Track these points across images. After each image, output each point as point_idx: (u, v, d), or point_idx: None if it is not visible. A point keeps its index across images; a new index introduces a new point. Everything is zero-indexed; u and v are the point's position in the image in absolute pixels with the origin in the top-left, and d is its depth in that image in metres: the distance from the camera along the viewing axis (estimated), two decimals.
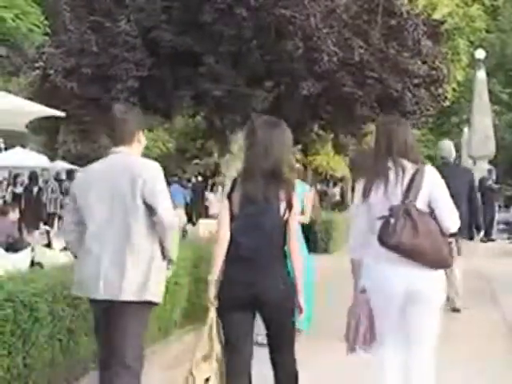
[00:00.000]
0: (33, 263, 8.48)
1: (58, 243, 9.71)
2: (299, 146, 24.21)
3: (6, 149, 30.13)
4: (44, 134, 22.50)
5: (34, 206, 17.30)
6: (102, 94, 16.81)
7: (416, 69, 18.38)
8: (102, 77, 16.57)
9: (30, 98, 13.10)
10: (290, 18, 15.79)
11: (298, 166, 8.24)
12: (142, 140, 4.12)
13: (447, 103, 23.03)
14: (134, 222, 3.84)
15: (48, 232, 12.67)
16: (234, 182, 3.84)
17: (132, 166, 3.92)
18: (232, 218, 3.79)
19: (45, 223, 17.20)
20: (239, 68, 16.70)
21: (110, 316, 3.86)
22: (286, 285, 3.77)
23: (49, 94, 16.95)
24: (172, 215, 3.89)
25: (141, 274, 3.83)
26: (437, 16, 23.92)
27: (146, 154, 17.45)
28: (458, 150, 14.11)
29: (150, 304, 3.96)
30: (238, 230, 3.78)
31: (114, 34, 16.53)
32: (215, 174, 26.20)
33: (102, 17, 16.85)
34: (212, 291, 3.78)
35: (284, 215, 3.78)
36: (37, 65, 18.14)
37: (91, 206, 3.90)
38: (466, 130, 26.71)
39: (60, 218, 17.75)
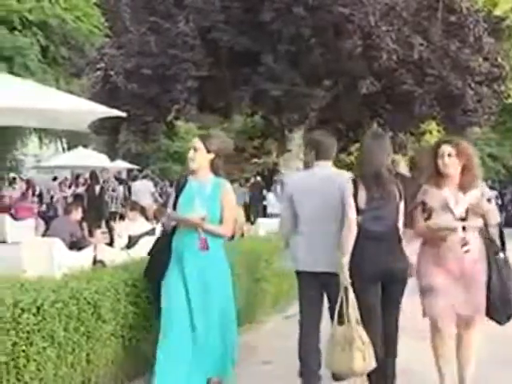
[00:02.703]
0: (95, 261, 8.64)
1: (119, 241, 9.86)
2: (357, 145, 24.03)
3: (68, 149, 30.74)
4: (105, 134, 22.81)
5: (95, 205, 17.56)
6: (162, 94, 17.00)
7: (477, 66, 18.07)
8: (161, 77, 16.75)
9: (91, 99, 13.30)
10: (349, 16, 15.69)
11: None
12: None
13: (510, 101, 22.55)
14: (334, 214, 5.00)
15: (110, 231, 12.88)
16: (355, 183, 4.79)
17: (334, 175, 5.23)
18: (358, 212, 4.73)
19: (106, 222, 17.48)
20: (298, 67, 16.67)
21: (319, 283, 5.16)
22: (405, 260, 4.86)
23: (110, 94, 17.21)
24: (353, 213, 4.81)
25: (334, 252, 4.93)
26: (497, 12, 23.43)
27: None
28: None
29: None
30: (367, 220, 4.76)
31: (173, 35, 16.69)
32: (273, 173, 26.19)
33: (162, 18, 17.04)
34: (346, 272, 4.67)
35: (398, 207, 4.83)
36: (98, 66, 18.42)
37: (304, 202, 5.19)
38: None
39: (121, 216, 18.01)
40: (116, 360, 5.15)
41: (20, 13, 18.12)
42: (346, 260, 4.72)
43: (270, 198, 21.09)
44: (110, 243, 10.39)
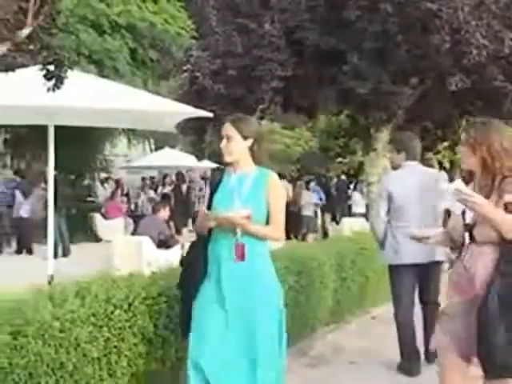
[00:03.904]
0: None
1: None
2: (446, 144, 23.59)
3: (156, 149, 31.35)
4: (192, 135, 23.16)
5: (182, 205, 17.85)
6: (247, 94, 17.10)
7: None
8: (247, 78, 16.86)
9: (178, 100, 13.51)
10: (437, 12, 15.38)
11: None
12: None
13: None
14: (432, 209, 5.66)
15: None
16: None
17: (428, 173, 5.99)
18: None
19: (193, 221, 17.74)
20: (384, 65, 16.46)
21: (416, 274, 5.80)
22: None
23: (196, 95, 17.45)
24: None
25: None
26: None
27: (288, 152, 17.64)
28: None
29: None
30: None
31: (258, 36, 16.77)
32: (359, 173, 25.98)
33: (247, 19, 17.14)
34: None
35: None
36: (185, 68, 18.70)
37: (404, 198, 5.69)
38: None
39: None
40: None
41: (109, 17, 18.55)
42: None
43: (356, 197, 20.93)
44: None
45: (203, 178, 22.09)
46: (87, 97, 8.52)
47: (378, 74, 16.32)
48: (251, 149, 4.19)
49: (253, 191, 4.12)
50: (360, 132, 20.46)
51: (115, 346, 4.23)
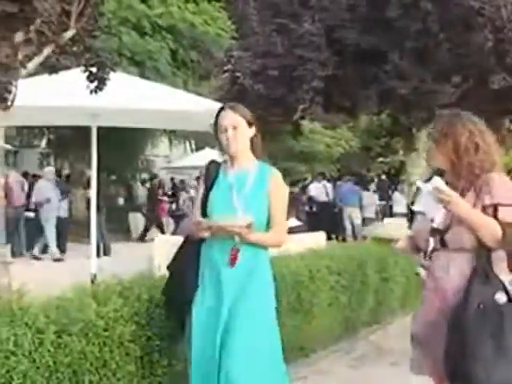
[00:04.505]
0: None
1: None
2: None
3: (196, 150, 31.49)
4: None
5: None
6: (288, 94, 17.08)
7: None
8: (287, 77, 16.84)
9: (219, 101, 13.57)
10: (479, 10, 15.20)
11: None
12: None
13: None
14: None
15: None
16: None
17: None
18: None
19: None
20: (425, 64, 16.31)
21: None
22: None
23: (237, 95, 17.47)
24: None
25: None
26: None
27: (329, 151, 17.60)
28: None
29: None
30: None
31: (298, 35, 16.74)
32: (400, 173, 25.78)
33: (287, 18, 17.13)
34: None
35: None
36: (225, 68, 18.77)
37: None
38: None
39: None
40: None
41: (150, 18, 18.73)
42: None
43: (397, 197, 20.79)
44: None
45: None
46: (129, 98, 8.60)
47: (419, 73, 16.19)
48: (252, 140, 3.79)
49: (255, 191, 3.67)
50: (402, 131, 20.31)
51: (157, 345, 4.26)
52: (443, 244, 3.22)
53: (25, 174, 17.90)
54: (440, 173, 3.28)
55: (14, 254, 12.34)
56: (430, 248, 3.25)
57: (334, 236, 13.70)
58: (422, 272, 3.33)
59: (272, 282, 3.79)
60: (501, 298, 3.04)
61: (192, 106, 9.78)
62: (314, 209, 19.65)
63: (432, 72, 16.35)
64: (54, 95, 7.97)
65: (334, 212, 18.91)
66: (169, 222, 19.38)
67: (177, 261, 3.89)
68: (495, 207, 3.10)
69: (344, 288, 6.49)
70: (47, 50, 5.03)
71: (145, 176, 25.05)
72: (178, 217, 18.84)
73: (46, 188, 14.56)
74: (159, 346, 4.29)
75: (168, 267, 3.97)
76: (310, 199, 20.01)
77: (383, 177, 26.38)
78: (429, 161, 3.42)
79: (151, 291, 4.33)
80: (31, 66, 4.98)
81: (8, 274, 4.83)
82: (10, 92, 4.81)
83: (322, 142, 28.52)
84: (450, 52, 16.06)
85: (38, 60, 5.02)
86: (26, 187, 15.84)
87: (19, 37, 4.81)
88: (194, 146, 33.73)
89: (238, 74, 17.49)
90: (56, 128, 19.28)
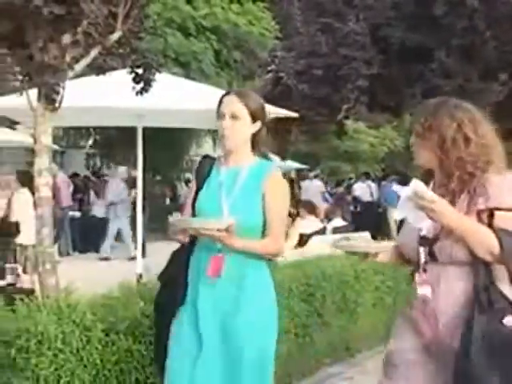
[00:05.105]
0: None
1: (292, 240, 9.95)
2: None
3: None
4: (276, 135, 23.24)
5: None
6: (332, 93, 17.04)
7: None
8: (332, 77, 16.81)
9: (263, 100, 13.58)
10: None
11: None
12: None
13: None
14: None
15: None
16: None
17: None
18: None
19: None
20: (471, 61, 16.11)
21: None
22: None
23: (281, 95, 17.50)
24: None
25: None
26: None
27: (373, 151, 17.47)
28: None
29: None
30: None
31: (343, 34, 16.70)
32: None
33: (332, 18, 17.08)
34: None
35: None
36: (269, 68, 18.80)
37: None
38: None
39: (290, 214, 18.21)
40: (289, 357, 5.20)
41: (195, 19, 18.81)
42: None
43: None
44: None
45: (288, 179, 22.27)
46: (174, 98, 8.65)
47: (465, 71, 16.00)
48: (255, 136, 3.23)
49: (246, 191, 3.12)
50: None
51: None
52: (432, 256, 2.64)
53: (75, 175, 18.21)
54: (430, 173, 2.75)
55: (60, 254, 12.55)
56: (422, 258, 2.66)
57: (378, 236, 13.58)
58: (422, 290, 2.66)
59: (273, 305, 3.15)
60: (510, 321, 2.45)
61: None
62: (359, 209, 19.55)
63: (478, 70, 16.15)
64: (100, 96, 8.06)
65: (378, 212, 18.77)
66: None
67: (168, 270, 3.32)
68: (491, 212, 2.54)
69: (389, 289, 6.44)
70: (94, 52, 5.08)
71: (189, 176, 25.16)
72: None
73: (120, 188, 14.81)
74: None
75: (159, 277, 3.40)
76: (355, 199, 19.91)
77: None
78: (415, 160, 2.79)
79: None
80: (78, 67, 5.04)
81: (56, 273, 4.89)
82: (57, 93, 4.87)
83: (367, 141, 28.29)
84: (497, 49, 15.85)
85: (85, 62, 5.07)
86: (72, 188, 16.09)
87: (66, 39, 4.86)
88: None
89: (282, 74, 17.54)
90: (102, 129, 19.48)
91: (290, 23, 18.78)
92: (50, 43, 4.80)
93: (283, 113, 10.46)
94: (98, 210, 15.79)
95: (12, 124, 15.84)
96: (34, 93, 4.97)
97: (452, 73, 15.91)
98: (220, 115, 3.20)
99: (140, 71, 5.76)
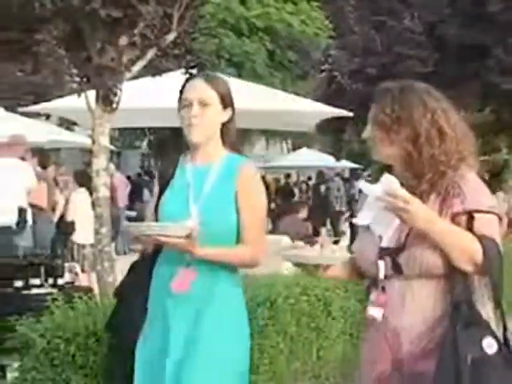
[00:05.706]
0: None
1: (343, 241, 9.94)
2: None
3: (293, 149, 31.56)
4: (330, 134, 23.14)
5: (321, 205, 17.88)
6: None
7: None
8: (387, 76, 16.64)
9: (317, 100, 13.55)
10: None
11: None
12: None
13: None
14: None
15: (334, 229, 13.03)
16: None
17: None
18: None
19: (331, 221, 17.72)
20: None
21: None
22: None
23: (335, 95, 17.41)
24: None
25: None
26: None
27: None
28: None
29: None
30: None
31: (397, 32, 16.54)
32: (503, 171, 25.03)
33: (386, 16, 16.94)
34: None
35: None
36: (323, 68, 18.73)
37: None
38: None
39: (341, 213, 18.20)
40: (344, 358, 5.18)
41: (248, 19, 18.86)
42: None
43: (500, 197, 20.21)
44: (336, 242, 10.52)
45: (342, 178, 22.10)
46: None
47: None
48: (225, 126, 2.89)
49: (217, 192, 2.73)
50: (505, 129, 19.75)
51: (258, 344, 4.28)
52: (397, 269, 2.25)
53: (138, 175, 18.52)
54: (388, 170, 2.32)
55: (117, 253, 12.74)
56: (381, 274, 2.26)
57: None
58: (372, 311, 2.28)
59: (243, 320, 2.80)
60: (489, 345, 2.10)
61: (290, 106, 9.80)
62: None
63: None
64: (155, 97, 8.16)
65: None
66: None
67: (125, 284, 2.96)
68: (470, 215, 2.20)
69: None
70: (150, 53, 5.14)
71: None
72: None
73: None
74: (260, 345, 4.31)
75: (114, 293, 3.06)
76: None
77: (485, 176, 25.67)
78: (372, 153, 2.41)
79: (253, 290, 4.36)
80: (135, 69, 5.11)
81: (113, 272, 4.97)
82: (115, 95, 4.95)
83: None
84: None
85: (141, 63, 5.14)
86: (129, 188, 16.31)
87: (123, 41, 4.93)
88: (290, 146, 33.82)
89: (336, 74, 17.43)
90: (156, 129, 19.71)
91: (343, 22, 18.68)
92: (108, 45, 4.87)
93: (337, 112, 10.43)
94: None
95: (70, 125, 16.16)
96: (91, 94, 5.05)
97: (509, 70, 15.63)
98: (185, 102, 2.80)
99: (194, 72, 5.81)
